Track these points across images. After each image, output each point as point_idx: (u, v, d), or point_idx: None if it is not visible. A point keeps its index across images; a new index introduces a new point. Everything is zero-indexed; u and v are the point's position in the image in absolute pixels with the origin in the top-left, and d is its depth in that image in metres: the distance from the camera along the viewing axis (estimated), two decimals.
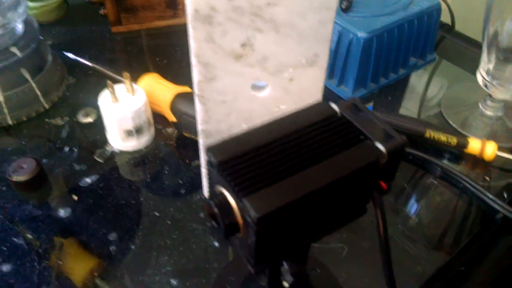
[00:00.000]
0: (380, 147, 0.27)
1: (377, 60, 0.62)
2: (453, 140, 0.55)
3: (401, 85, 0.68)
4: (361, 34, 0.58)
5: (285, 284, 0.36)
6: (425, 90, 0.69)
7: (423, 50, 0.68)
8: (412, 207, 0.54)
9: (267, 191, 0.24)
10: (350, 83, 0.63)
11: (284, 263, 0.32)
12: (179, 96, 0.54)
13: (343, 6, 0.60)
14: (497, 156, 0.55)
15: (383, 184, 0.29)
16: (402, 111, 0.65)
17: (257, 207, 0.23)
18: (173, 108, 0.55)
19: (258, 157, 0.26)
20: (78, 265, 0.45)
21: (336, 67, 0.63)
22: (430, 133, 0.56)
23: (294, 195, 0.24)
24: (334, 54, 0.62)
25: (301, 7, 0.34)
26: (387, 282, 0.32)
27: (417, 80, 0.70)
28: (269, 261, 0.27)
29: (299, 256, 0.33)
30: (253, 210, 0.23)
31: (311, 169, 0.25)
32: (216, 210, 0.25)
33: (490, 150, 0.55)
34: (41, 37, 0.68)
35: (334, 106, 0.29)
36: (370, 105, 0.59)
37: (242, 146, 0.26)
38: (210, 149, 0.26)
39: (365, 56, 0.60)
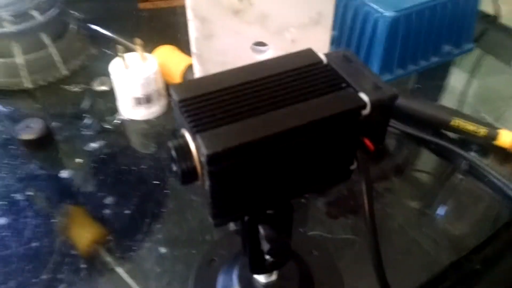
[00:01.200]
0: (363, 96, 0.24)
1: (405, 43, 0.58)
2: (482, 130, 0.51)
3: (434, 73, 0.64)
4: (388, 14, 0.55)
5: (267, 257, 0.33)
6: (460, 81, 0.64)
7: (459, 38, 0.63)
8: (433, 199, 0.50)
9: (225, 129, 0.22)
10: (374, 67, 0.59)
11: (260, 227, 0.29)
12: (192, 67, 0.53)
13: None
14: None
15: (369, 144, 0.26)
16: (432, 101, 0.60)
17: (210, 144, 0.21)
18: (185, 79, 0.53)
19: (224, 96, 0.23)
20: (70, 224, 0.45)
21: (360, 49, 0.60)
22: (457, 122, 0.51)
23: (254, 135, 0.21)
24: (358, 36, 0.59)
25: None
26: (373, 263, 0.29)
27: (453, 70, 0.65)
28: (231, 215, 0.25)
29: (279, 222, 0.30)
30: (204, 147, 0.21)
31: (278, 111, 0.23)
32: (174, 153, 0.23)
33: None
34: (73, 12, 0.69)
35: (320, 54, 0.26)
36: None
37: (209, 85, 0.24)
38: (173, 87, 0.24)
39: (391, 38, 0.56)
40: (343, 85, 0.24)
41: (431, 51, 0.62)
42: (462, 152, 0.51)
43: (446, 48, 0.63)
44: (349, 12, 0.59)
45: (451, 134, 0.54)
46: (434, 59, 0.63)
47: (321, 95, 0.24)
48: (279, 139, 0.22)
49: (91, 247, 0.43)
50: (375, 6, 0.56)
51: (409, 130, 0.54)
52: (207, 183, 0.22)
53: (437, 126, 0.53)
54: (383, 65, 0.59)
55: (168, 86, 0.56)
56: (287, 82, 0.24)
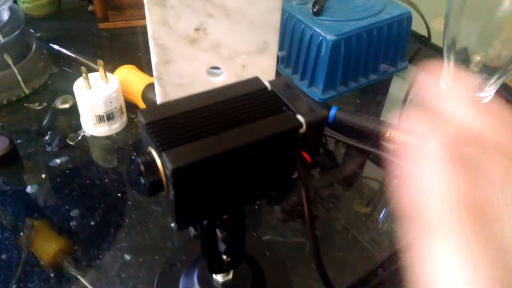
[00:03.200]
0: (300, 118, 0.29)
1: (346, 63, 0.64)
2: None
3: (373, 90, 0.70)
4: (330, 37, 0.61)
5: (224, 257, 0.38)
6: (396, 96, 0.71)
7: (394, 58, 0.70)
8: (374, 203, 0.56)
9: (186, 147, 0.26)
10: (320, 85, 0.65)
11: (217, 231, 0.34)
12: (151, 86, 0.57)
13: (315, 10, 0.63)
14: None
15: (307, 156, 0.31)
16: (373, 115, 0.67)
17: (174, 160, 0.25)
18: (144, 97, 0.57)
19: (184, 119, 0.28)
20: (38, 237, 0.47)
21: (307, 68, 0.65)
22: (391, 133, 0.58)
23: (211, 152, 0.26)
24: (305, 56, 0.65)
25: None
26: (315, 261, 0.34)
27: (391, 87, 0.72)
28: (192, 220, 0.29)
29: (234, 226, 0.34)
30: (169, 163, 0.25)
31: (231, 131, 0.27)
32: (142, 167, 0.27)
33: None
34: (32, 31, 0.71)
35: (265, 81, 0.31)
36: (335, 106, 0.61)
37: (171, 110, 0.28)
38: (141, 111, 0.28)
39: (333, 58, 0.62)
40: (284, 108, 0.29)
41: (370, 70, 0.69)
42: (396, 160, 0.57)
43: (383, 67, 0.70)
44: (296, 34, 0.65)
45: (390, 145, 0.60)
46: (373, 77, 0.69)
47: (266, 117, 0.28)
48: (231, 154, 0.27)
49: (58, 257, 0.45)
50: (318, 30, 0.62)
51: (352, 142, 0.60)
52: (171, 193, 0.27)
53: (376, 138, 0.60)
54: (327, 83, 0.65)
55: (128, 103, 0.60)
56: (237, 106, 0.29)
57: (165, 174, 0.27)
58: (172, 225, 0.49)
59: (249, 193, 0.31)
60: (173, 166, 0.25)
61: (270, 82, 0.32)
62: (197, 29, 0.38)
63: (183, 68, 0.41)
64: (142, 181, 0.28)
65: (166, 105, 0.29)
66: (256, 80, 0.31)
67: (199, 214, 0.29)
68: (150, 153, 0.28)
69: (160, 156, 0.26)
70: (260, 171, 0.30)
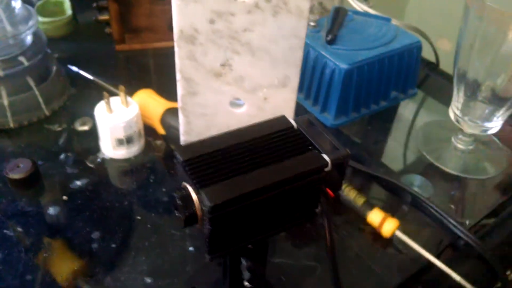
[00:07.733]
0: (325, 157, 0.30)
1: (358, 90, 0.66)
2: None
3: (384, 116, 0.72)
4: (343, 66, 0.63)
5: (246, 284, 0.39)
6: (405, 123, 0.73)
7: (405, 85, 0.72)
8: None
9: (221, 185, 0.28)
10: (332, 111, 0.67)
11: (242, 260, 0.35)
12: (169, 111, 0.59)
13: (328, 39, 0.65)
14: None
15: (330, 192, 0.32)
16: (382, 141, 0.69)
17: (212, 197, 0.27)
18: (163, 122, 0.59)
19: (218, 157, 0.30)
20: (60, 258, 0.48)
21: (319, 95, 0.67)
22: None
23: (244, 189, 0.28)
24: (318, 83, 0.67)
25: (274, 34, 0.38)
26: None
27: (401, 113, 0.74)
28: (223, 251, 0.31)
29: (257, 255, 0.36)
30: (207, 200, 0.27)
31: (262, 170, 0.29)
32: (179, 202, 0.29)
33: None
34: (49, 50, 0.73)
35: (291, 120, 0.33)
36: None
37: (206, 148, 0.30)
38: (177, 149, 0.30)
39: (346, 86, 0.64)
40: (310, 147, 0.31)
41: (381, 97, 0.71)
42: (406, 187, 0.59)
43: (394, 94, 0.72)
44: (309, 61, 0.67)
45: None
46: (383, 104, 0.71)
47: (294, 156, 0.30)
48: (263, 191, 0.28)
49: (79, 279, 0.47)
50: (332, 59, 0.64)
51: (363, 168, 0.61)
52: (207, 227, 0.28)
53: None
54: (339, 109, 0.67)
55: (146, 127, 0.61)
56: (267, 144, 0.31)
57: (201, 209, 0.28)
58: (191, 248, 0.50)
59: (275, 226, 0.32)
60: (211, 203, 0.27)
61: (295, 120, 0.33)
62: (223, 65, 0.40)
63: (208, 99, 0.43)
64: (178, 214, 0.30)
65: (200, 142, 0.31)
66: (283, 119, 0.33)
67: (229, 245, 0.31)
68: (186, 188, 0.30)
69: (197, 193, 0.28)
70: (286, 206, 0.31)
